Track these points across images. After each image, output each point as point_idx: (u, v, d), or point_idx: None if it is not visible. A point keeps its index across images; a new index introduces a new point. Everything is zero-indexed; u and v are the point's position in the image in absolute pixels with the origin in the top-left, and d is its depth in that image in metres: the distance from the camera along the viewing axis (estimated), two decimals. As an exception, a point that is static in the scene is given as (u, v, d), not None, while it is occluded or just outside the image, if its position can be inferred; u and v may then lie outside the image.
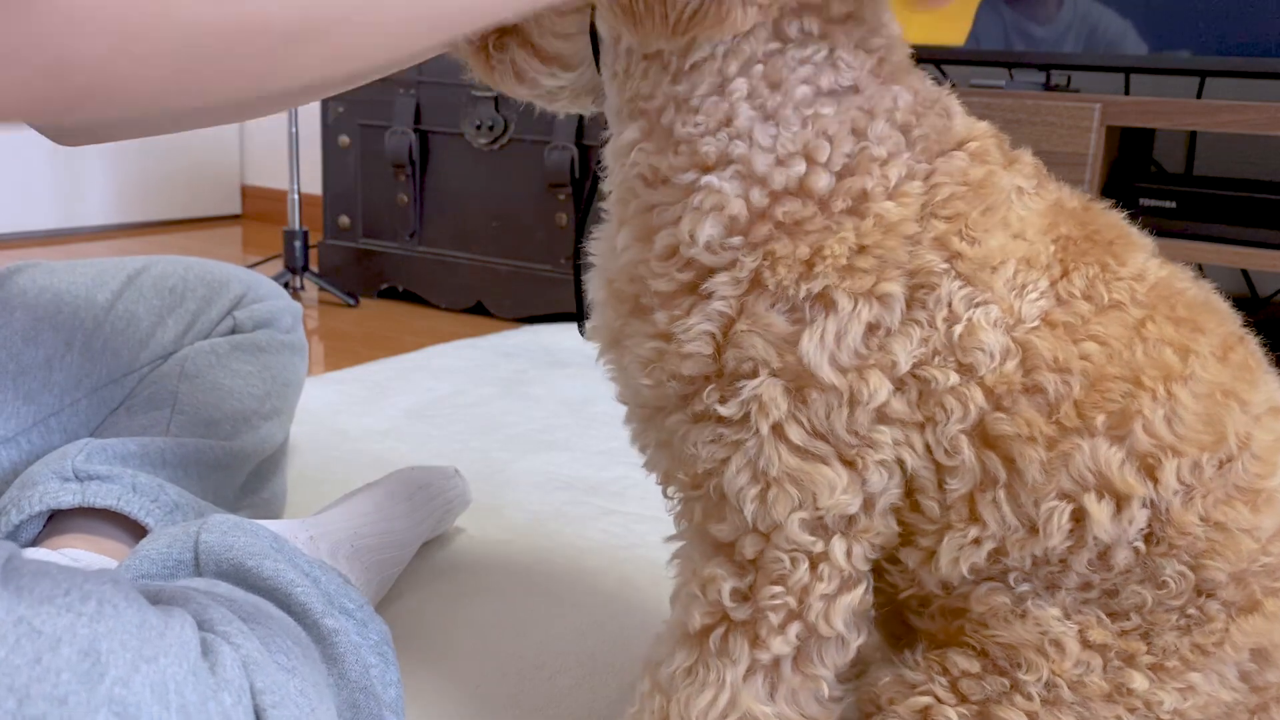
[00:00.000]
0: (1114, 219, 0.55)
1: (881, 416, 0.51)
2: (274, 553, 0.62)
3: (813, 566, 0.53)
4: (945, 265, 0.50)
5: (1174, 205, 1.55)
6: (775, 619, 0.54)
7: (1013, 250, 0.51)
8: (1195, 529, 0.49)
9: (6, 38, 0.35)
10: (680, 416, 0.54)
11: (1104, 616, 0.50)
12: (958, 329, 0.50)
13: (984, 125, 0.55)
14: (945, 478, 0.52)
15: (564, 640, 0.82)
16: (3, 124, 0.39)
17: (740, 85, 0.51)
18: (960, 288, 0.50)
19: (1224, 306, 0.55)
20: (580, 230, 0.62)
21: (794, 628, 0.54)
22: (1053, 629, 0.50)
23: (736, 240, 0.51)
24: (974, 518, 0.51)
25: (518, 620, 0.85)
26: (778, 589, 0.53)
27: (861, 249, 0.50)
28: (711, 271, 0.52)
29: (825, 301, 0.50)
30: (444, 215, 2.10)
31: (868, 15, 0.52)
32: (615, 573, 0.94)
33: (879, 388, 0.50)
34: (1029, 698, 0.50)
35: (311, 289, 2.19)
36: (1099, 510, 0.49)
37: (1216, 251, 1.50)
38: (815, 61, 0.51)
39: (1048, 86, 1.69)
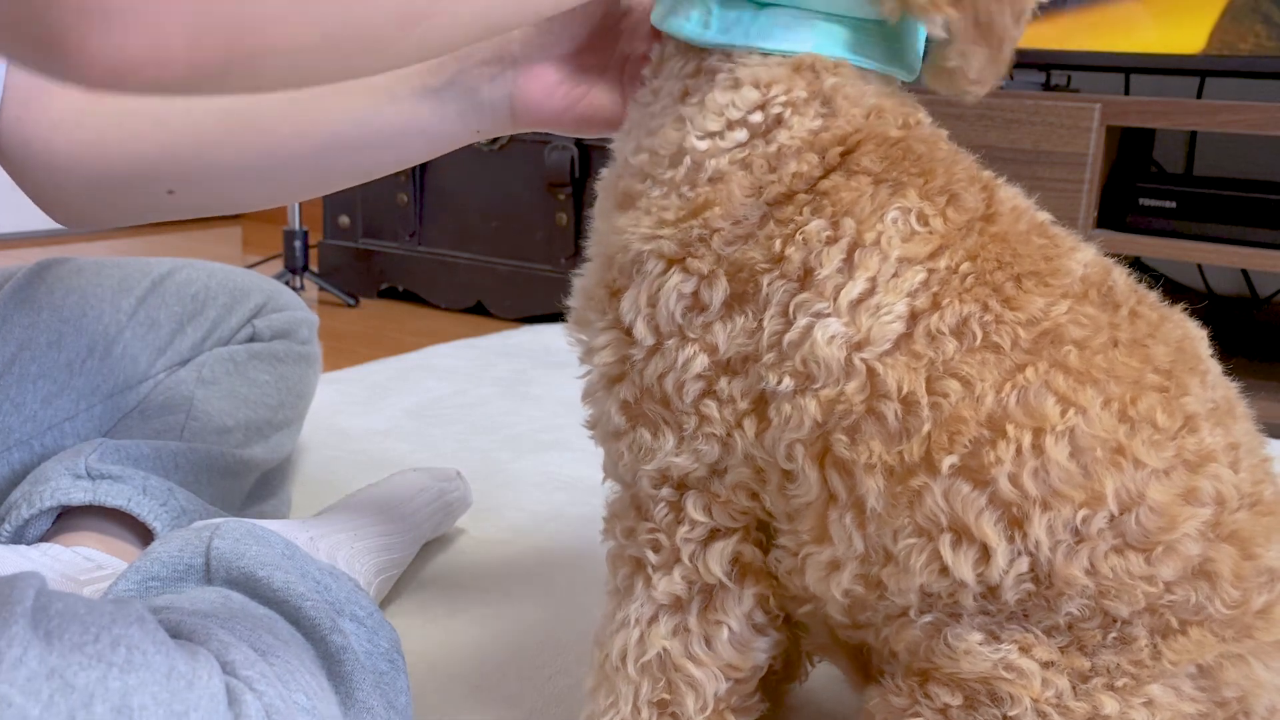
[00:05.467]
0: (1037, 249, 0.51)
1: (709, 392, 0.52)
2: (285, 563, 0.62)
3: (674, 510, 0.55)
4: (766, 264, 0.50)
5: (1174, 205, 1.55)
6: (655, 558, 0.56)
7: (863, 263, 0.49)
8: (1082, 580, 0.46)
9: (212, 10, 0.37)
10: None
11: (1039, 633, 0.48)
12: (789, 336, 0.50)
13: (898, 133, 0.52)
14: (785, 481, 0.52)
15: (564, 640, 0.82)
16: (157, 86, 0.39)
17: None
18: (785, 286, 0.50)
19: (1165, 333, 0.50)
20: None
21: (678, 570, 0.56)
22: (992, 655, 0.48)
23: (598, 208, 0.58)
24: (823, 536, 0.51)
25: (517, 620, 0.85)
26: (649, 524, 0.56)
27: (673, 223, 0.52)
28: None
29: (638, 264, 0.54)
30: (444, 215, 2.10)
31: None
32: (615, 573, 0.94)
33: (693, 359, 0.52)
34: None
35: (311, 289, 2.19)
36: (955, 556, 0.47)
37: (1216, 251, 1.50)
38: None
39: (1048, 86, 1.69)
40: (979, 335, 0.48)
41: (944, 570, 0.48)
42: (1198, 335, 0.52)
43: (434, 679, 0.76)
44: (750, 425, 0.52)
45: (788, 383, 0.50)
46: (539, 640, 0.82)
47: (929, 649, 0.50)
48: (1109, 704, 0.47)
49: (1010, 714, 0.48)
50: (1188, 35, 1.54)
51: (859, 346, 0.49)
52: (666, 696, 0.57)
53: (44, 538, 0.79)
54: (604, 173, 0.59)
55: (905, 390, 0.48)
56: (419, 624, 0.84)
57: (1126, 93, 1.76)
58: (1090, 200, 1.54)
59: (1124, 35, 1.58)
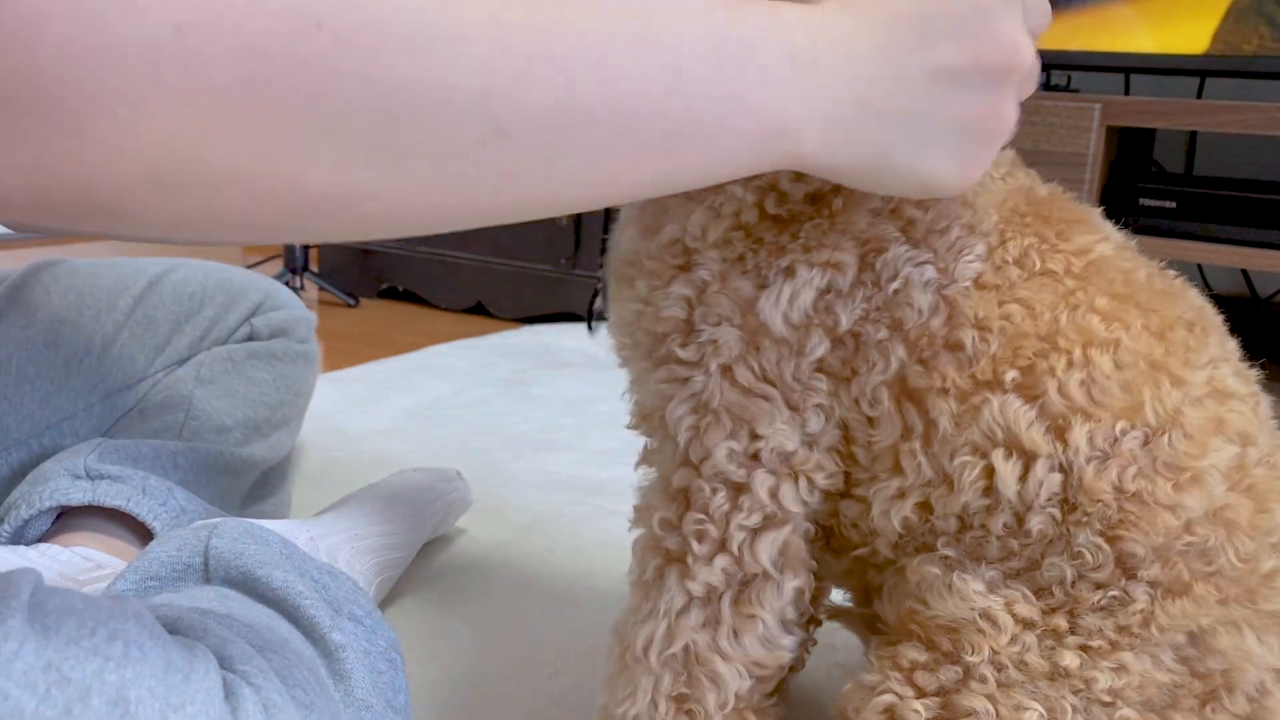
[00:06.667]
0: (1077, 208, 0.57)
1: (821, 367, 0.55)
2: (284, 561, 0.62)
3: (733, 495, 0.55)
4: (898, 233, 0.54)
5: (1174, 205, 1.56)
6: (700, 548, 0.56)
7: (957, 215, 0.54)
8: (1107, 496, 0.49)
9: (45, 154, 0.34)
10: (644, 364, 0.58)
11: (1028, 593, 0.50)
12: (893, 286, 0.53)
13: None
14: (870, 429, 0.55)
15: (564, 640, 0.82)
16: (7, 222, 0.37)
17: None
18: (906, 251, 0.53)
19: (1189, 298, 0.55)
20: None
21: (720, 560, 0.55)
22: (979, 603, 0.51)
23: (738, 234, 0.55)
24: (896, 468, 0.54)
25: (518, 620, 0.85)
26: (699, 515, 0.56)
27: (833, 228, 0.54)
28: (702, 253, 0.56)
29: (789, 272, 0.54)
30: (444, 215, 2.10)
31: None
32: (615, 573, 0.94)
33: (818, 344, 0.54)
34: (983, 680, 0.50)
35: (311, 289, 2.19)
36: (1005, 468, 0.50)
37: (1216, 251, 1.50)
38: None
39: (1048, 86, 1.69)
40: (1038, 263, 0.53)
41: (988, 489, 0.51)
42: (1213, 313, 0.56)
43: (433, 679, 0.76)
44: (844, 391, 0.55)
45: (884, 332, 0.53)
46: (539, 640, 0.82)
47: (928, 585, 0.53)
48: (1070, 658, 0.49)
49: (970, 662, 0.50)
50: (1191, 36, 1.54)
51: (944, 286, 0.53)
52: (686, 691, 0.57)
53: (43, 538, 0.79)
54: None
55: (980, 316, 0.52)
56: (419, 624, 0.84)
57: (1126, 93, 1.76)
58: (1090, 200, 1.53)
59: (1124, 35, 1.58)
